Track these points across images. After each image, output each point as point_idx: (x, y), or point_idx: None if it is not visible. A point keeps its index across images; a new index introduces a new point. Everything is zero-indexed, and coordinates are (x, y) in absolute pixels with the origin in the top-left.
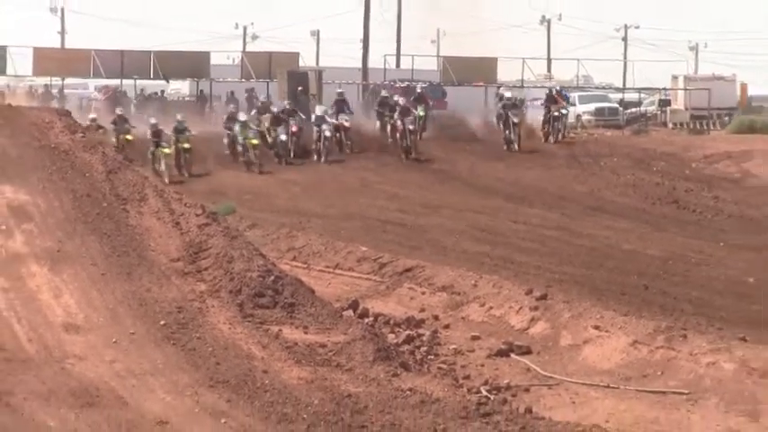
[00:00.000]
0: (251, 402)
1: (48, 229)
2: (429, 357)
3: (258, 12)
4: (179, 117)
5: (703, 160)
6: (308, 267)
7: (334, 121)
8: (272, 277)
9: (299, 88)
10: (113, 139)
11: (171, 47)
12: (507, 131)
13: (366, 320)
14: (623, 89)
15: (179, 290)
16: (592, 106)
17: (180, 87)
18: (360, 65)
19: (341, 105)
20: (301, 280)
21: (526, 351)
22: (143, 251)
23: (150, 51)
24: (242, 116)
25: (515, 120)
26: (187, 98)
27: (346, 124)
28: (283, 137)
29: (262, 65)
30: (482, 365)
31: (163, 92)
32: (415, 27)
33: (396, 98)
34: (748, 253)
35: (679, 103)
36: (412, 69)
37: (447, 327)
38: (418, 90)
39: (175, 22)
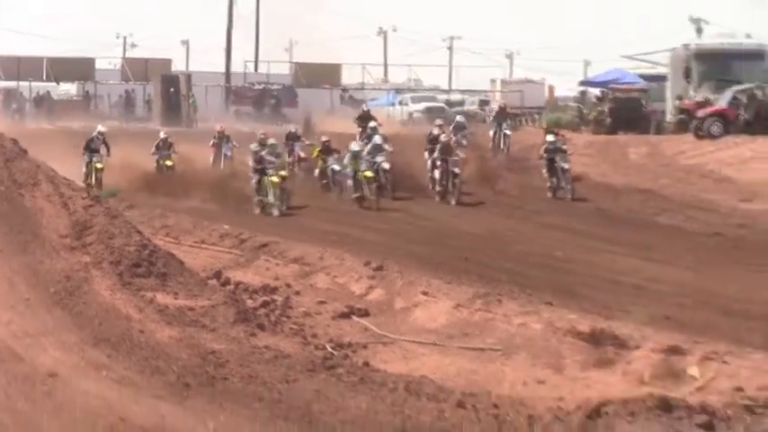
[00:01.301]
0: (129, 357)
1: None
2: (282, 319)
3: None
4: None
5: (521, 151)
6: (179, 242)
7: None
8: (148, 251)
9: (171, 89)
10: (155, 164)
11: (61, 54)
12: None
13: (228, 288)
14: (449, 91)
15: (67, 262)
16: (422, 105)
17: (69, 88)
18: (224, 69)
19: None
20: (173, 253)
21: (365, 314)
22: (36, 229)
23: (43, 58)
24: (355, 145)
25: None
26: (74, 98)
27: (386, 166)
28: (386, 165)
29: (139, 69)
30: (327, 326)
31: (48, 92)
32: (271, 37)
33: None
34: (558, 232)
35: (498, 103)
36: (268, 74)
37: (297, 293)
38: (364, 108)
39: (65, 33)
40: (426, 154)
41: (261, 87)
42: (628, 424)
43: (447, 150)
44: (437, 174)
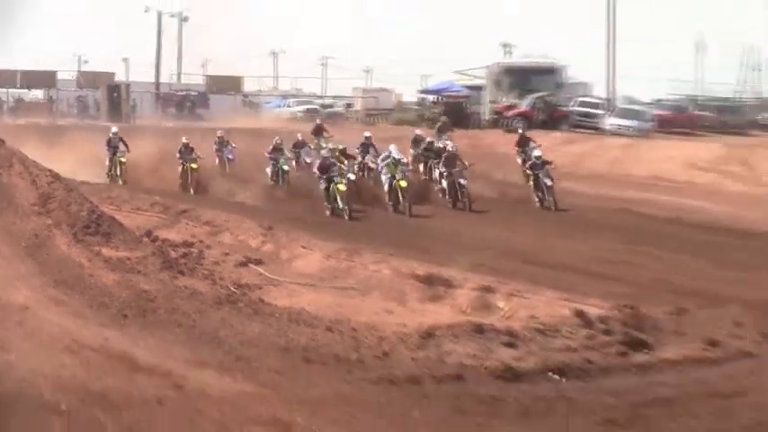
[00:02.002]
0: (81, 295)
1: None
2: (197, 266)
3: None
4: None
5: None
6: (120, 209)
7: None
8: (96, 215)
9: (115, 95)
10: (179, 168)
11: (31, 68)
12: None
13: (156, 243)
14: (322, 96)
15: (35, 223)
16: (303, 107)
17: (37, 94)
18: (154, 80)
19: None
20: (115, 217)
21: (259, 262)
22: (11, 199)
23: (17, 70)
24: (395, 152)
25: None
26: (41, 101)
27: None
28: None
29: (90, 80)
30: (231, 272)
31: (21, 97)
32: (191, 56)
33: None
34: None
35: (358, 105)
36: (188, 84)
37: (209, 247)
38: (318, 122)
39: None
40: (421, 167)
41: (182, 94)
42: (452, 342)
43: (451, 162)
44: (444, 183)
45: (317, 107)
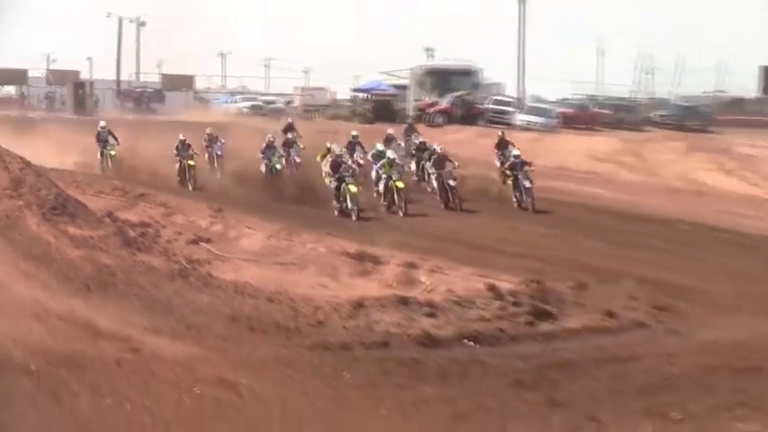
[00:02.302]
0: (48, 269)
1: None
2: (152, 244)
3: (57, 45)
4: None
5: (317, 134)
6: (84, 192)
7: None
8: (62, 198)
9: (80, 91)
10: (176, 165)
11: (4, 66)
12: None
13: (116, 223)
14: (265, 94)
15: (7, 205)
16: (248, 103)
17: (10, 89)
18: (115, 77)
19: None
20: (79, 200)
21: (208, 240)
22: None
23: None
24: (391, 153)
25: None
26: (13, 96)
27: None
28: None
29: (58, 77)
30: (183, 249)
31: None
32: (148, 57)
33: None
34: None
35: (297, 102)
36: (145, 81)
37: (164, 227)
38: (289, 120)
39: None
40: (413, 164)
41: (140, 90)
42: (379, 313)
43: (440, 164)
44: (434, 184)
45: (261, 103)
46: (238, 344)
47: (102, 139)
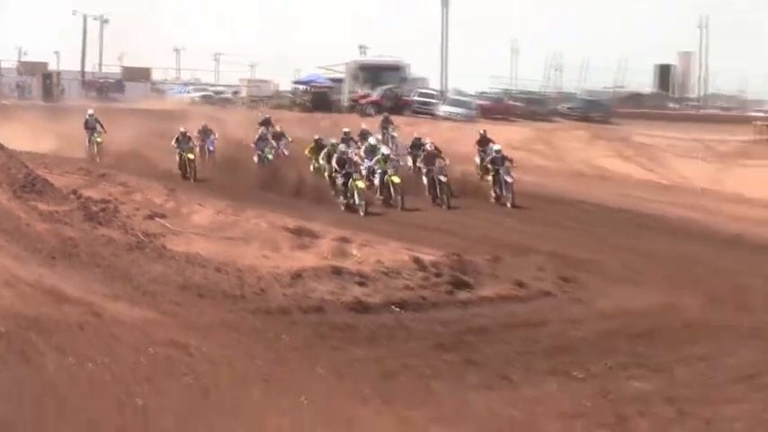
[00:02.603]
0: (18, 241)
1: None
2: (112, 219)
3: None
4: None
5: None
6: (51, 172)
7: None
8: (32, 177)
9: (48, 81)
10: (176, 157)
11: None
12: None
13: (80, 200)
14: (215, 85)
15: None
16: (200, 93)
17: None
18: (80, 69)
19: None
20: (47, 179)
21: (163, 216)
22: None
23: None
24: (385, 149)
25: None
26: None
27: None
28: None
29: (28, 68)
30: (140, 223)
31: None
32: (110, 50)
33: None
34: None
35: (244, 93)
36: (107, 73)
37: (123, 204)
38: (266, 116)
39: None
40: (410, 159)
41: (102, 81)
42: (315, 282)
43: (430, 160)
44: (425, 180)
45: (211, 93)
46: (189, 309)
47: (90, 127)
